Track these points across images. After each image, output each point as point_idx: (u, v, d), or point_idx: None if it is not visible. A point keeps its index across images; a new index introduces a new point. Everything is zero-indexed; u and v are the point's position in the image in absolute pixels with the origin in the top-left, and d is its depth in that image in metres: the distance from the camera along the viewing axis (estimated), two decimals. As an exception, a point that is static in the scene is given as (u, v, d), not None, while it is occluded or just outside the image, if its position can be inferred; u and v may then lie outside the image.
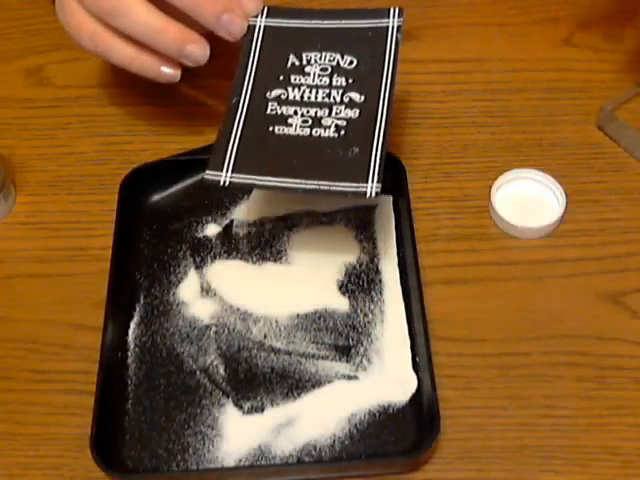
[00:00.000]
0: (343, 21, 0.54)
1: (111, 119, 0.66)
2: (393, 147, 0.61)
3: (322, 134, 0.49)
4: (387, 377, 0.52)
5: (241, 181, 0.48)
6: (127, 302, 0.56)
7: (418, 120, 0.65)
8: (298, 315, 0.55)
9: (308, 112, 0.50)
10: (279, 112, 0.50)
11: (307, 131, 0.49)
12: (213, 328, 0.54)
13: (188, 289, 0.56)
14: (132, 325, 0.55)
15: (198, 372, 0.53)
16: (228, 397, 0.52)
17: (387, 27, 0.53)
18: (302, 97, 0.50)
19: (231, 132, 0.49)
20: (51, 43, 0.71)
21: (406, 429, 0.50)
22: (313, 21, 0.54)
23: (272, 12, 0.54)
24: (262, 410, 0.51)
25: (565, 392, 0.52)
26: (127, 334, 0.54)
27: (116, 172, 0.62)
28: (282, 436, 0.50)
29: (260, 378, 0.52)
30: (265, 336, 0.54)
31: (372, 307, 0.55)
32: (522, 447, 0.50)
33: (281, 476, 0.50)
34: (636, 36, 0.69)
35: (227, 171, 0.48)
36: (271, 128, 0.50)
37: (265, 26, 0.53)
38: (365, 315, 0.54)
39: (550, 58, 0.68)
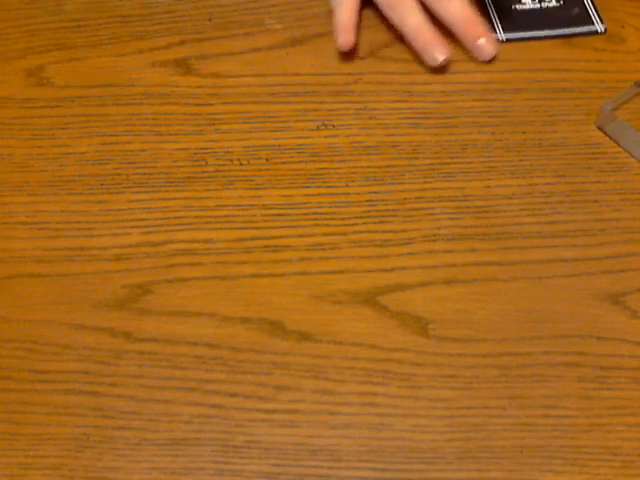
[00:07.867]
0: None
1: (111, 119, 0.66)
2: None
3: (549, 5, 0.72)
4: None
5: (512, 37, 0.70)
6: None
7: (418, 120, 0.65)
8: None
9: None
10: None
11: (537, 5, 0.72)
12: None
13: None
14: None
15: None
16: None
17: None
18: None
19: (490, 11, 0.71)
20: (51, 43, 0.70)
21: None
22: None
23: None
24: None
25: (565, 392, 0.52)
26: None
27: (116, 172, 0.61)
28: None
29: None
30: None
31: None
32: (522, 447, 0.51)
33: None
34: (636, 36, 0.69)
35: (500, 33, 0.70)
36: (513, 7, 0.72)
37: None
38: None
39: (550, 58, 0.68)
